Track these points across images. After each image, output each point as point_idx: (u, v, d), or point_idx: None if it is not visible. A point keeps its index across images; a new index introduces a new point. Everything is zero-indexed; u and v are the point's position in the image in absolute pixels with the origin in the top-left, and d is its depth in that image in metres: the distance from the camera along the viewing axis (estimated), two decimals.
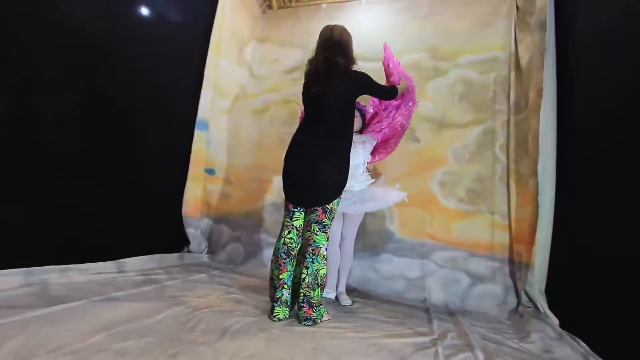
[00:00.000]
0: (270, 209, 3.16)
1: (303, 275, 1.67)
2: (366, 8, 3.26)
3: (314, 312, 1.65)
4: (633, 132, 1.51)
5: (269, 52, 3.54)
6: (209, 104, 3.07)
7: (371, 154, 2.32)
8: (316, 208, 1.74)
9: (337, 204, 1.80)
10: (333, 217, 1.78)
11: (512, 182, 2.52)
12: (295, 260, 1.76)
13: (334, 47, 1.78)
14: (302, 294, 1.66)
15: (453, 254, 2.60)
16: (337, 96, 1.76)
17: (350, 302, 2.17)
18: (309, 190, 1.73)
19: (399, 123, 2.25)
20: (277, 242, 1.78)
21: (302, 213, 1.79)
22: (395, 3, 3.18)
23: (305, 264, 1.68)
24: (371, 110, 2.33)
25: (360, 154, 2.19)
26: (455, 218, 2.66)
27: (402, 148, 2.40)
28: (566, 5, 2.23)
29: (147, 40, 2.47)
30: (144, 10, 2.46)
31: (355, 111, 2.01)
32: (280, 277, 1.70)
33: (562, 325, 1.90)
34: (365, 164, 2.26)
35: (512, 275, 2.43)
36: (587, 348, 1.61)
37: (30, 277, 1.66)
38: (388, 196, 2.18)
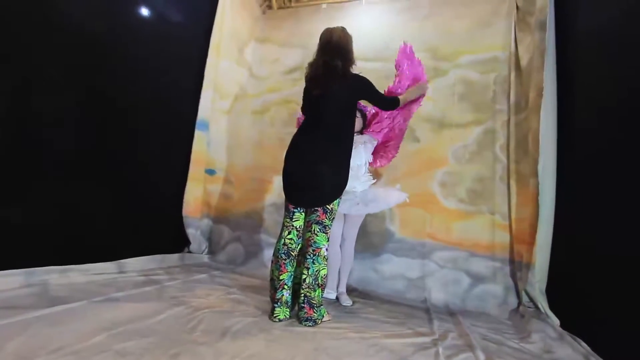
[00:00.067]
0: (271, 210, 3.16)
1: (303, 276, 1.67)
2: (366, 8, 3.26)
3: (314, 312, 1.65)
4: (633, 133, 1.51)
5: (269, 53, 3.54)
6: (209, 105, 3.07)
7: (373, 158, 2.31)
8: (316, 209, 1.74)
9: (338, 205, 1.80)
10: (334, 218, 1.78)
11: (512, 182, 2.52)
12: (295, 260, 1.75)
13: (332, 50, 1.78)
14: (302, 295, 1.66)
15: (453, 254, 2.60)
16: (336, 99, 1.76)
17: (351, 303, 2.17)
18: (309, 191, 1.73)
19: (399, 124, 2.24)
20: (277, 242, 1.78)
21: (302, 214, 1.79)
22: (395, 3, 3.18)
23: (305, 265, 1.68)
24: (372, 111, 2.33)
25: (361, 154, 2.19)
26: (456, 218, 2.66)
27: (402, 148, 2.40)
28: (566, 5, 2.23)
29: (147, 41, 2.46)
30: (144, 11, 2.45)
31: (356, 111, 2.01)
32: (281, 277, 1.70)
33: (562, 326, 1.90)
34: (367, 164, 2.26)
35: (513, 276, 2.43)
36: (588, 348, 1.61)
37: (31, 277, 1.66)
38: (390, 197, 2.17)
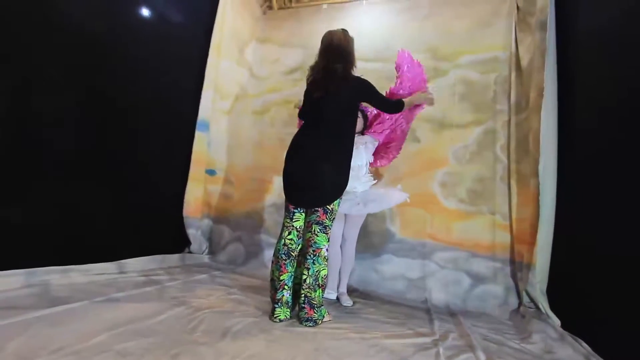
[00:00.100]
0: (271, 210, 3.16)
1: (304, 276, 1.67)
2: (367, 9, 3.26)
3: (315, 312, 1.64)
4: (633, 133, 1.51)
5: (269, 53, 3.54)
6: (209, 105, 3.07)
7: (373, 158, 2.31)
8: (317, 209, 1.73)
9: (338, 205, 1.79)
10: (334, 218, 1.78)
11: (513, 182, 2.51)
12: (295, 261, 1.75)
13: (333, 53, 1.79)
14: (303, 295, 1.66)
15: (454, 255, 2.60)
16: (337, 101, 1.76)
17: (351, 303, 2.17)
18: (309, 191, 1.73)
19: (401, 126, 2.24)
20: (277, 243, 1.78)
21: (303, 214, 1.79)
22: (395, 3, 3.18)
23: (306, 265, 1.68)
24: (374, 111, 2.32)
25: (362, 155, 2.19)
26: (456, 218, 2.66)
27: (402, 149, 2.40)
28: (567, 5, 2.23)
29: (148, 41, 2.46)
30: (145, 11, 2.45)
31: (357, 112, 2.01)
32: (281, 278, 1.70)
33: (563, 326, 1.89)
34: (368, 165, 2.26)
35: (514, 276, 2.43)
36: (589, 348, 1.61)
37: (32, 278, 1.66)
38: (391, 197, 2.17)
